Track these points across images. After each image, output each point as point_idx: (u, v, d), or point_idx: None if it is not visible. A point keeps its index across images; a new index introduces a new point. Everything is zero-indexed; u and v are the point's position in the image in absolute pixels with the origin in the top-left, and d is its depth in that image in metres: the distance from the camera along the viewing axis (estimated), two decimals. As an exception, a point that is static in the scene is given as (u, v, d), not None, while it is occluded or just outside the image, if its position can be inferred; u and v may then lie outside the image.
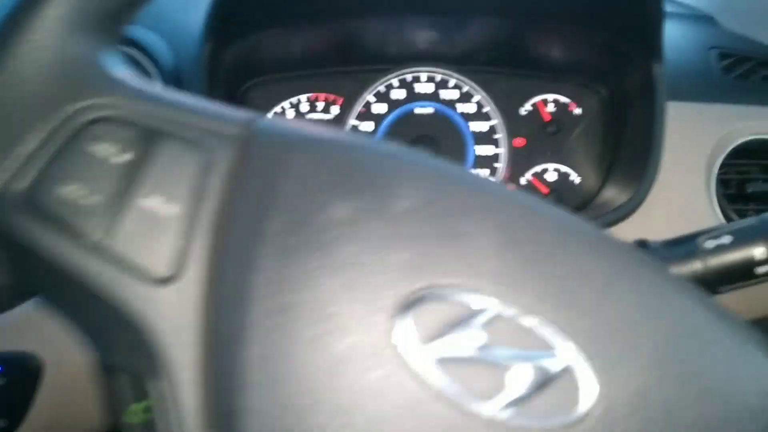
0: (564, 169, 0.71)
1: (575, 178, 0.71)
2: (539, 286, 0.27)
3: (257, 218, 0.27)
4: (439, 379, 0.25)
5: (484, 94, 0.71)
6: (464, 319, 0.26)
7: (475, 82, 0.71)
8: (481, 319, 0.26)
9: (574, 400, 0.26)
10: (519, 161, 0.71)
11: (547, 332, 0.26)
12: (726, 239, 0.43)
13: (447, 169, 0.30)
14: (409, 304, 0.26)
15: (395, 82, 0.71)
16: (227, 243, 0.27)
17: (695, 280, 0.43)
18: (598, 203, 0.68)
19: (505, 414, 0.25)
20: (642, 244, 0.47)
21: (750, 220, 0.44)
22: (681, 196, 0.64)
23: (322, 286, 0.26)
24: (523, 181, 0.71)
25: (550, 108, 0.71)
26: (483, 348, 0.26)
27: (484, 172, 0.70)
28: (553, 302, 0.27)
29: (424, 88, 0.71)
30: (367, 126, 0.70)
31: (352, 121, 0.70)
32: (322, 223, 0.27)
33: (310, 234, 0.27)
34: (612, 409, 0.26)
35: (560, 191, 0.71)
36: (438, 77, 0.71)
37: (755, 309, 0.62)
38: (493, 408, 0.25)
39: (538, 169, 0.71)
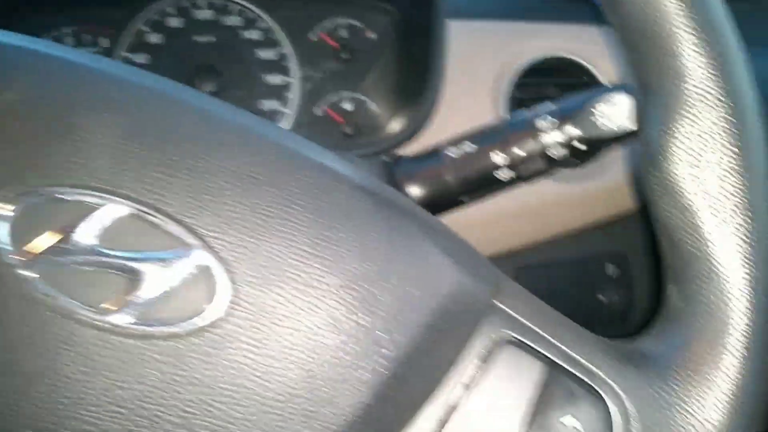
0: (360, 97, 0.68)
1: (372, 106, 0.68)
2: (164, 182, 0.24)
3: None
4: (45, 288, 0.23)
5: (269, 19, 0.66)
6: (75, 221, 0.23)
7: (259, 7, 0.66)
8: (96, 220, 0.23)
9: (204, 304, 0.23)
10: (313, 91, 0.67)
11: (174, 231, 0.23)
12: (467, 146, 0.42)
13: (67, 56, 0.26)
14: (5, 210, 0.23)
15: (170, 9, 0.65)
16: None
17: (441, 191, 0.42)
18: (388, 131, 0.65)
19: (126, 319, 0.23)
20: (395, 159, 0.45)
21: (492, 125, 0.43)
22: (469, 118, 0.63)
23: None
24: (318, 111, 0.67)
25: (342, 33, 0.68)
26: (97, 251, 0.23)
27: (274, 103, 0.66)
28: (180, 198, 0.24)
29: (203, 14, 0.65)
30: (142, 58, 0.64)
31: (123, 53, 0.64)
32: None
33: None
34: (247, 310, 0.23)
35: (357, 121, 0.68)
36: (218, 2, 0.66)
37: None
38: (113, 314, 0.23)
39: (333, 98, 0.68)
